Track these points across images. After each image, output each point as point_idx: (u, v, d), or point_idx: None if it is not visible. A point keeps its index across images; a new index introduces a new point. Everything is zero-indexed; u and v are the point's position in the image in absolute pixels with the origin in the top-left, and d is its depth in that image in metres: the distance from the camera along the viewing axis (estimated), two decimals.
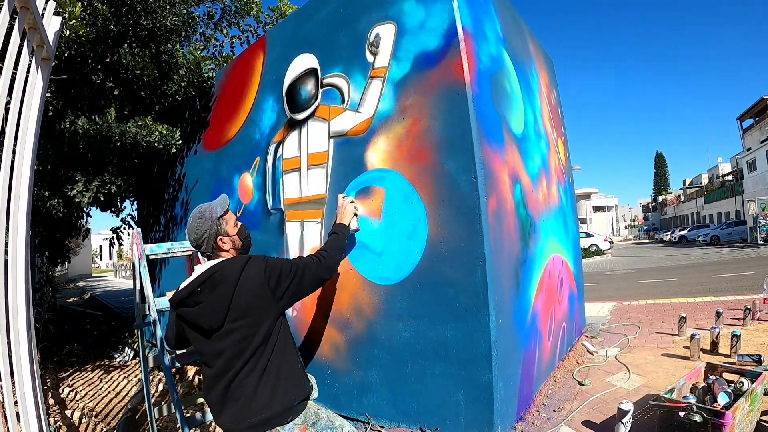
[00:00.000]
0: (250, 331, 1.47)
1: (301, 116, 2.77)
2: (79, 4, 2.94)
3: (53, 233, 4.81)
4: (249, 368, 1.46)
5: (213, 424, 2.51)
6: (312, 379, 1.67)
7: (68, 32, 3.02)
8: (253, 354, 1.46)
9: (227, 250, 1.61)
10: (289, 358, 1.56)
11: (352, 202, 2.20)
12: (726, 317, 3.93)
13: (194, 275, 1.55)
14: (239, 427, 1.47)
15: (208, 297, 1.47)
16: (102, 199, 3.90)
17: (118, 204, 5.37)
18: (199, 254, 2.51)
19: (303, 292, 1.68)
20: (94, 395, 3.41)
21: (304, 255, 2.68)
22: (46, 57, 1.67)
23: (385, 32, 2.32)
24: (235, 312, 1.46)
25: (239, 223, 1.69)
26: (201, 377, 3.69)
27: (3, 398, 1.42)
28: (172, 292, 1.63)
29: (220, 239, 1.59)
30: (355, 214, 2.18)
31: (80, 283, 20.41)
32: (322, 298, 2.57)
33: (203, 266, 1.54)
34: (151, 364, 2.43)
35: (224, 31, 5.06)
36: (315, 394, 1.64)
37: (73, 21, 2.95)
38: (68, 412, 2.89)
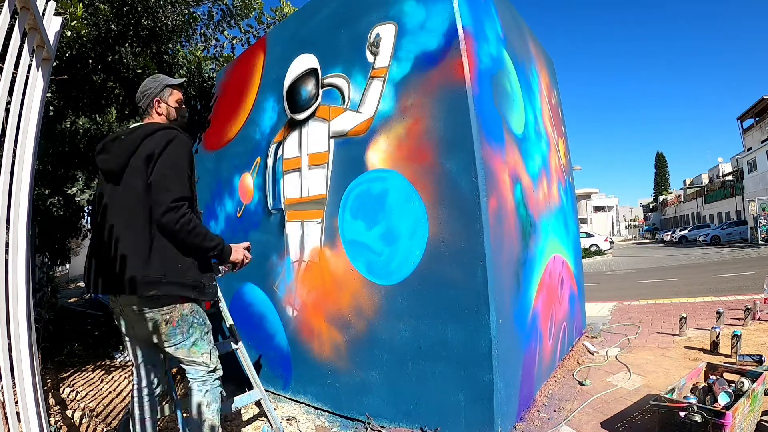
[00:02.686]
0: (137, 185, 1.59)
1: (301, 116, 2.77)
2: (81, 5, 2.94)
3: (54, 233, 4.80)
4: (131, 222, 1.59)
5: None
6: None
7: (69, 33, 3.02)
8: (136, 214, 1.58)
9: (160, 114, 1.80)
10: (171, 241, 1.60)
11: (246, 257, 1.89)
12: (726, 317, 3.92)
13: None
14: (114, 282, 1.61)
15: (122, 143, 1.65)
16: None
17: None
18: None
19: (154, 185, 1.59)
20: (94, 395, 3.41)
21: (305, 255, 2.69)
22: (46, 57, 1.67)
23: (386, 32, 2.32)
24: (136, 159, 1.61)
25: (184, 106, 1.87)
26: None
27: (3, 398, 1.42)
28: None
29: (157, 101, 1.78)
30: (234, 263, 1.84)
31: (81, 283, 20.41)
32: (322, 298, 2.58)
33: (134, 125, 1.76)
34: None
35: (225, 32, 5.05)
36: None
37: (75, 22, 2.95)
38: (69, 412, 2.89)
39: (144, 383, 1.84)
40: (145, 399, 1.84)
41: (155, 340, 1.72)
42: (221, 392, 1.83)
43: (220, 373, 1.81)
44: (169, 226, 1.55)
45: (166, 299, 1.61)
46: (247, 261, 1.87)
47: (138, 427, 1.84)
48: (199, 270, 1.68)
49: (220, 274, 1.96)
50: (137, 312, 1.64)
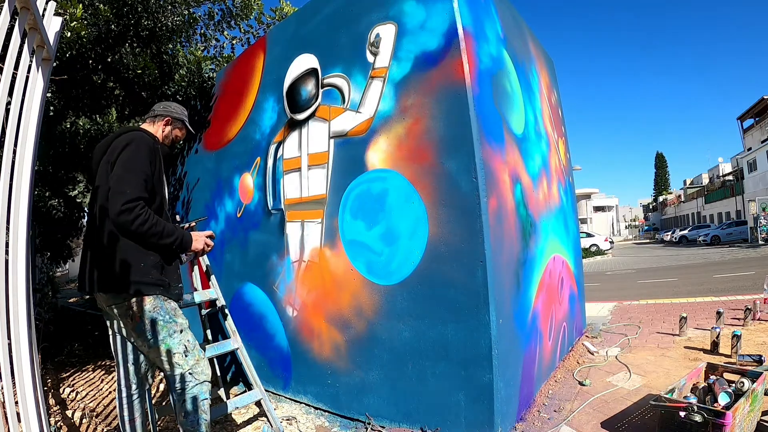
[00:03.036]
0: (103, 184, 1.68)
1: (301, 116, 2.77)
2: (80, 5, 2.94)
3: (54, 233, 4.81)
4: (100, 224, 1.67)
5: (214, 424, 2.51)
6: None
7: (69, 34, 3.02)
8: (101, 214, 1.66)
9: (161, 131, 1.98)
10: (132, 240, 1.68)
11: (208, 244, 1.95)
12: (727, 317, 3.92)
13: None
14: (91, 281, 1.71)
15: (101, 144, 1.79)
16: None
17: None
18: (200, 258, 2.56)
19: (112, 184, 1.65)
20: (94, 395, 3.41)
21: (305, 255, 2.69)
22: (46, 57, 1.68)
23: (386, 32, 2.32)
24: (104, 160, 1.71)
25: (169, 139, 2.02)
26: None
27: (3, 398, 1.42)
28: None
29: (168, 121, 1.98)
30: (195, 251, 1.89)
31: None
32: (322, 298, 2.58)
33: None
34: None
35: (225, 32, 5.05)
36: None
37: (75, 23, 2.95)
38: (69, 412, 2.90)
39: (123, 383, 1.83)
40: (126, 399, 1.83)
41: (131, 339, 1.76)
42: (205, 400, 1.74)
43: (201, 377, 1.74)
44: (125, 226, 1.61)
45: (126, 295, 1.65)
46: (208, 249, 1.95)
47: (128, 428, 1.82)
48: (164, 268, 1.73)
49: (183, 262, 2.00)
50: (107, 308, 1.72)
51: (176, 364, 1.71)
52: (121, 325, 1.73)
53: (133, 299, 1.66)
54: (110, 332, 1.84)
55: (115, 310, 1.69)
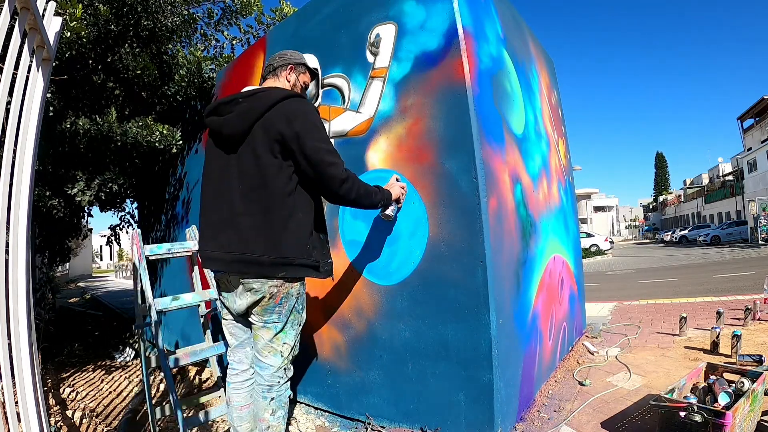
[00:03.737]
0: (264, 159, 1.52)
1: None
2: (80, 5, 2.94)
3: (54, 233, 4.81)
4: (256, 197, 1.52)
5: (214, 424, 2.51)
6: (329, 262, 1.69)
7: (69, 34, 3.02)
8: (263, 186, 1.51)
9: (288, 81, 1.77)
10: (302, 217, 1.56)
11: (403, 187, 2.03)
12: (727, 317, 3.92)
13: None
14: (225, 257, 1.54)
15: (243, 107, 1.57)
16: (103, 198, 3.91)
17: (118, 204, 5.37)
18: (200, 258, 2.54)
19: (306, 168, 1.56)
20: (94, 395, 3.41)
21: None
22: (46, 58, 1.67)
23: (386, 32, 2.32)
24: (258, 131, 1.53)
25: (298, 88, 1.82)
26: (201, 377, 3.69)
27: (3, 398, 1.42)
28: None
29: (292, 68, 1.78)
30: (398, 201, 1.99)
31: (81, 284, 20.43)
32: (322, 298, 2.58)
33: (251, 87, 1.67)
34: (152, 365, 2.43)
35: (225, 32, 5.06)
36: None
37: (74, 23, 2.95)
38: (69, 413, 2.90)
39: (243, 366, 1.76)
40: (245, 384, 1.76)
41: (250, 313, 1.64)
42: (289, 395, 1.73)
43: (290, 373, 1.73)
44: (348, 196, 1.61)
45: (276, 276, 1.56)
46: (404, 192, 1.98)
47: (235, 414, 1.76)
48: (320, 248, 1.64)
49: (391, 217, 2.02)
50: (244, 283, 1.58)
51: (281, 353, 1.65)
52: (247, 298, 1.59)
53: (285, 281, 1.56)
54: (222, 309, 1.73)
55: (255, 285, 1.54)
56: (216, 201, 1.63)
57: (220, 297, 1.75)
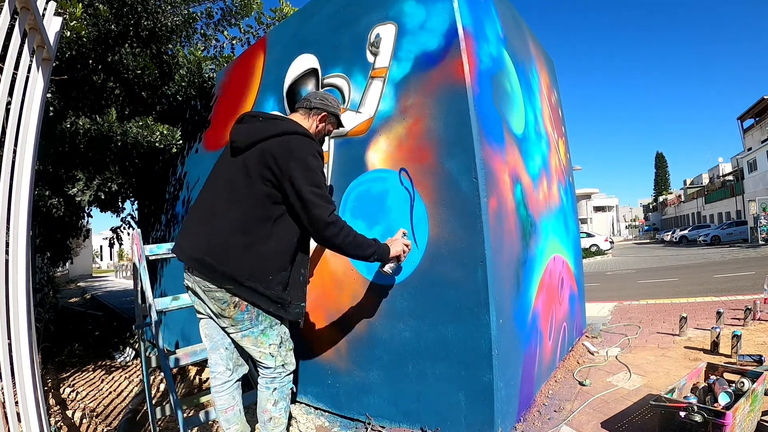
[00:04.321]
0: (259, 172, 1.55)
1: None
2: (80, 5, 2.94)
3: (54, 233, 4.81)
4: (234, 211, 1.55)
5: (214, 424, 2.51)
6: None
7: (69, 33, 3.02)
8: (247, 197, 1.55)
9: (313, 125, 1.80)
10: (274, 247, 1.57)
11: (407, 244, 1.99)
12: (727, 317, 3.92)
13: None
14: (189, 253, 1.57)
15: (260, 123, 1.65)
16: (103, 197, 3.91)
17: (119, 204, 5.38)
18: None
19: (295, 201, 1.58)
20: (95, 395, 3.41)
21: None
22: (46, 57, 1.68)
23: (386, 32, 2.32)
24: (256, 151, 1.58)
25: (321, 135, 1.86)
26: (201, 377, 3.69)
27: (3, 398, 1.42)
28: None
29: (319, 116, 1.81)
30: (399, 257, 1.95)
31: (81, 284, 20.43)
32: (322, 298, 2.57)
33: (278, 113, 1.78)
34: (153, 365, 2.43)
35: (225, 32, 5.06)
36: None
37: (74, 22, 2.95)
38: (69, 413, 2.90)
39: (220, 368, 1.76)
40: (224, 387, 1.77)
41: (222, 324, 1.65)
42: (291, 388, 1.77)
43: (291, 367, 1.75)
44: (334, 240, 1.61)
45: (238, 295, 1.57)
46: (408, 249, 1.91)
47: (221, 417, 1.77)
48: (290, 288, 1.63)
49: (389, 273, 1.99)
50: (205, 290, 1.60)
51: (270, 354, 1.68)
52: (213, 306, 1.62)
53: (238, 298, 1.58)
54: (198, 312, 1.74)
55: (217, 294, 1.58)
56: (203, 200, 1.70)
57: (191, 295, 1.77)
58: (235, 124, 1.72)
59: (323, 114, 1.81)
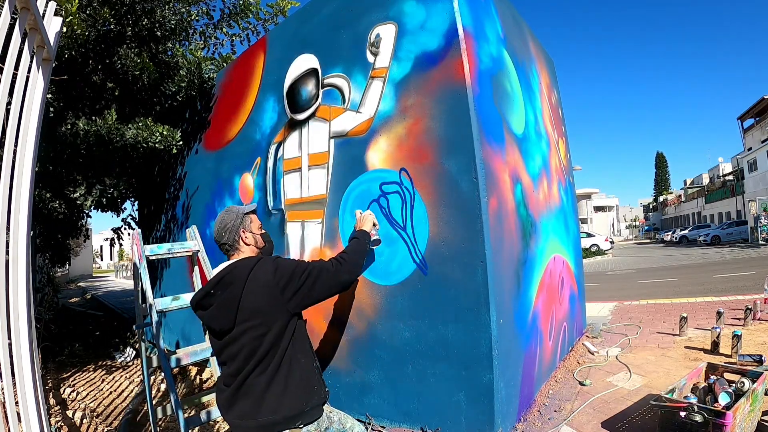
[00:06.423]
0: (260, 331, 1.47)
1: (301, 116, 2.77)
2: (76, 1, 2.93)
3: (54, 234, 4.81)
4: (261, 369, 1.47)
5: (215, 424, 2.51)
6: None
7: (65, 29, 3.01)
8: (265, 355, 1.46)
9: (249, 245, 1.66)
10: (303, 361, 1.54)
11: (369, 214, 2.10)
12: (727, 317, 3.92)
13: (210, 276, 1.59)
14: (247, 425, 1.47)
15: (220, 299, 1.49)
16: (104, 202, 3.92)
17: (119, 205, 5.38)
18: (200, 259, 2.52)
19: (315, 295, 1.59)
20: (95, 395, 3.41)
21: (305, 256, 2.69)
22: (46, 58, 1.68)
23: (386, 32, 2.32)
24: (244, 313, 1.46)
25: (263, 230, 1.75)
26: (202, 377, 3.69)
27: (4, 398, 1.42)
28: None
29: (243, 232, 1.64)
30: (374, 224, 2.07)
31: (81, 284, 20.42)
32: None
33: (219, 267, 1.57)
34: (153, 365, 2.43)
35: (224, 30, 5.06)
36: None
37: (70, 17, 2.94)
38: (69, 413, 2.90)
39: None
40: None
41: None
42: None
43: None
44: (354, 274, 1.75)
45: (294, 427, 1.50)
46: (371, 216, 2.09)
47: None
48: (320, 378, 1.61)
49: (379, 243, 2.16)
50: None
51: None
52: None
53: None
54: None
55: None
56: (227, 363, 1.56)
57: None
58: (198, 310, 1.57)
59: (240, 231, 1.64)
